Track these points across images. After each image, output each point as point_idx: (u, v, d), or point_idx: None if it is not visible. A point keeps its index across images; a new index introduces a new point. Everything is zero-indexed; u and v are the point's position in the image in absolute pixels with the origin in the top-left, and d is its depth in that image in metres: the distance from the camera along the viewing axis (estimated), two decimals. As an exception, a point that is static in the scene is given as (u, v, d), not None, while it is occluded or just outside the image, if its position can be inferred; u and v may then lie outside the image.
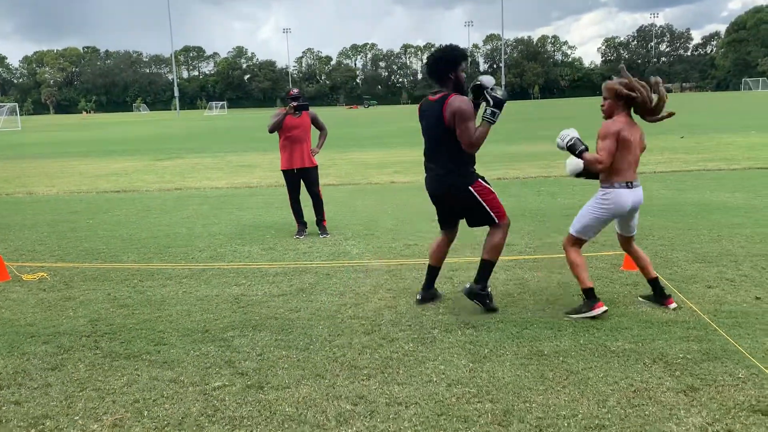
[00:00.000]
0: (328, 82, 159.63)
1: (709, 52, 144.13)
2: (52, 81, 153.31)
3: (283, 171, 7.67)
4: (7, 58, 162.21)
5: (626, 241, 4.74)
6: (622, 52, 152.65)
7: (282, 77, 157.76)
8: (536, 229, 7.45)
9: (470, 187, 4.49)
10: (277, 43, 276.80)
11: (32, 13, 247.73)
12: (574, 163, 4.48)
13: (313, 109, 7.70)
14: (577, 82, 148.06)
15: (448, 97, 4.36)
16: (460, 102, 4.32)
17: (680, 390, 3.35)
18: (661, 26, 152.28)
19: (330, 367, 3.83)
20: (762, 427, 2.98)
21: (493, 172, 13.14)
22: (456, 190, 4.52)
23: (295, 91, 7.60)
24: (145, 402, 3.46)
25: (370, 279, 5.69)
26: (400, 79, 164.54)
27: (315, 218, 7.76)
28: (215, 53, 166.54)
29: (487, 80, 4.45)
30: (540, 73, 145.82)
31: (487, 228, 4.73)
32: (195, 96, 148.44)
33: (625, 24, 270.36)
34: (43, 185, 13.85)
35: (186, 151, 22.83)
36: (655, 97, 4.43)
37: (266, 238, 7.62)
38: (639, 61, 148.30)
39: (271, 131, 7.56)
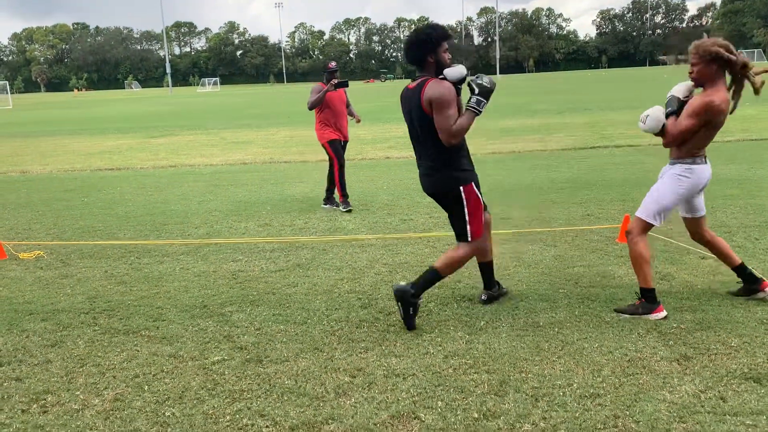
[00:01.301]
0: (321, 57, 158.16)
1: (704, 23, 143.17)
2: (42, 58, 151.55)
3: (331, 141, 7.56)
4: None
5: (699, 225, 4.18)
6: (617, 24, 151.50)
7: (275, 53, 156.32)
8: (531, 203, 7.47)
9: (461, 187, 3.94)
10: (269, 18, 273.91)
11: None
12: (657, 117, 3.98)
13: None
14: (572, 55, 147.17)
15: (425, 83, 3.84)
16: (436, 86, 3.79)
17: (673, 359, 3.40)
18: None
19: (328, 341, 3.87)
20: (754, 393, 3.03)
21: (488, 147, 13.15)
22: (446, 187, 3.98)
23: (333, 63, 7.56)
24: (145, 377, 3.50)
25: (366, 254, 5.71)
26: (394, 54, 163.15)
27: (327, 187, 7.80)
28: (207, 29, 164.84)
29: (452, 73, 3.90)
30: (535, 47, 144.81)
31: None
32: (187, 72, 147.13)
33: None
34: (37, 164, 13.78)
35: (179, 128, 22.70)
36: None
37: (262, 214, 7.62)
38: (634, 33, 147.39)
39: (312, 108, 7.49)
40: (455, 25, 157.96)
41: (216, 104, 45.15)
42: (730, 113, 3.88)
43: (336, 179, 7.61)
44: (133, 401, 3.24)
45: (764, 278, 4.18)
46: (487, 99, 3.85)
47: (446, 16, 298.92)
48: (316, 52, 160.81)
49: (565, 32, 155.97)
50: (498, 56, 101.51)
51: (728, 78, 3.90)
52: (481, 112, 3.84)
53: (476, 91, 3.85)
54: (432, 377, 3.33)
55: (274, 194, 8.96)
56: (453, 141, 3.82)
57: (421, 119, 3.87)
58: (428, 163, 3.99)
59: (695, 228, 4.21)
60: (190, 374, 3.50)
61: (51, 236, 6.90)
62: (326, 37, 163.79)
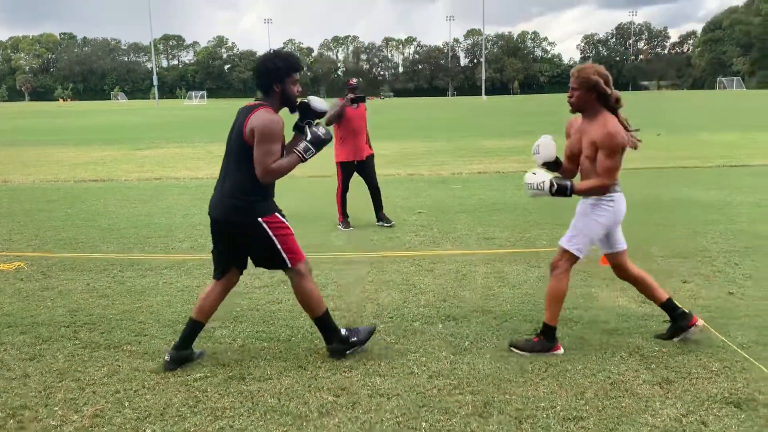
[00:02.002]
0: (309, 73, 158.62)
1: (685, 50, 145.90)
2: (27, 67, 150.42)
3: (342, 163, 7.46)
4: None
5: (621, 259, 4.04)
6: (600, 49, 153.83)
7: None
8: (516, 223, 7.52)
9: (260, 219, 3.65)
10: (258, 33, 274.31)
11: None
12: (547, 143, 3.95)
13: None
14: (557, 78, 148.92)
15: (257, 108, 3.60)
16: (266, 116, 3.54)
17: (655, 382, 3.43)
18: (639, 24, 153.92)
19: (312, 359, 3.85)
20: (734, 418, 3.06)
21: (473, 166, 13.25)
22: (242, 219, 3.64)
23: (354, 80, 7.47)
24: (126, 393, 3.45)
25: (352, 271, 5.70)
26: (382, 72, 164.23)
27: (375, 209, 7.64)
28: (195, 42, 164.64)
29: (317, 104, 3.79)
30: (520, 69, 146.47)
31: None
32: (174, 85, 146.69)
33: (604, 21, 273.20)
34: (19, 173, 13.63)
35: (165, 141, 22.59)
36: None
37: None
38: (617, 58, 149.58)
39: (328, 123, 7.34)
40: (442, 46, 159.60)
41: (203, 117, 45.02)
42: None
43: (337, 198, 7.55)
44: (113, 418, 3.20)
45: (693, 313, 4.00)
46: (317, 150, 3.67)
47: (434, 37, 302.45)
48: (304, 69, 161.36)
49: (549, 56, 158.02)
50: (484, 77, 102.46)
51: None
52: (306, 160, 3.65)
53: (308, 137, 3.67)
54: (416, 398, 3.33)
55: (259, 209, 8.91)
56: (267, 179, 3.57)
57: (237, 141, 3.62)
58: (228, 188, 3.67)
59: (618, 263, 4.03)
60: (171, 391, 3.46)
61: (32, 247, 6.82)
62: (314, 53, 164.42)
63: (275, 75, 3.64)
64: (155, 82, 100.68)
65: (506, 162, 13.90)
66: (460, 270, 5.60)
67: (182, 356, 3.78)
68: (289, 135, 3.77)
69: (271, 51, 3.77)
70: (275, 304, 4.87)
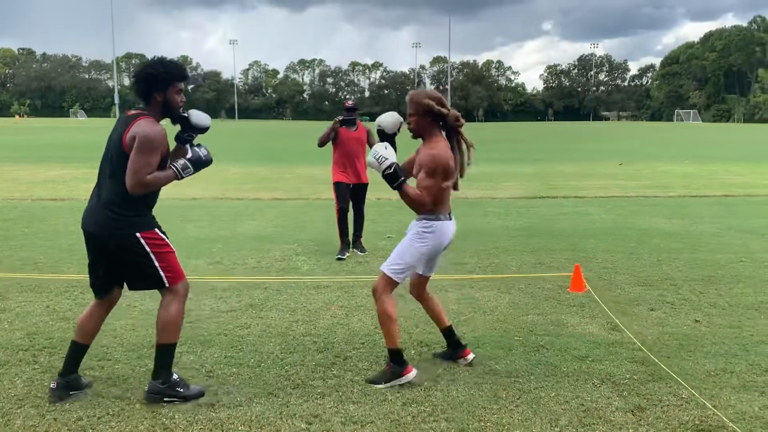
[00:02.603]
0: (274, 95, 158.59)
1: (644, 83, 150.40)
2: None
3: (336, 183, 7.29)
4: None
5: (423, 283, 4.13)
6: (563, 79, 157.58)
7: (227, 88, 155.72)
8: (485, 248, 7.56)
9: (138, 233, 3.45)
10: (223, 54, 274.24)
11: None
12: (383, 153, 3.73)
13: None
14: (520, 107, 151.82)
15: (138, 118, 3.43)
16: (148, 126, 3.38)
17: (628, 410, 3.44)
18: (600, 56, 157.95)
19: (282, 385, 3.77)
20: (706, 446, 3.09)
21: (440, 192, 13.30)
22: (118, 232, 3.44)
23: (350, 102, 7.33)
24: (89, 420, 3.32)
25: (322, 296, 5.64)
26: (348, 96, 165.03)
27: (353, 234, 7.45)
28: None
29: (198, 119, 3.66)
30: (484, 97, 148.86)
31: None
32: (136, 103, 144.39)
33: (566, 53, 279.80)
34: (-26, 190, 13.20)
35: (127, 160, 22.16)
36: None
37: (212, 251, 7.46)
38: (579, 89, 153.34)
39: (320, 145, 7.27)
40: (408, 72, 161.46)
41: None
42: (461, 175, 3.99)
43: (337, 222, 7.35)
44: (75, 446, 3.06)
45: (467, 346, 4.13)
46: (195, 170, 3.54)
47: (400, 63, 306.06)
48: (269, 90, 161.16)
49: (513, 84, 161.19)
50: (450, 104, 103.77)
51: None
52: (182, 178, 3.51)
53: (189, 155, 3.57)
54: (391, 425, 3.28)
55: (225, 231, 8.79)
56: (138, 190, 3.37)
57: (116, 150, 3.42)
58: (104, 199, 3.46)
59: (418, 283, 4.13)
60: (137, 418, 3.34)
61: (-12, 267, 6.57)
62: (280, 76, 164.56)
63: (158, 82, 3.48)
64: (116, 101, 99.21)
65: (471, 189, 13.98)
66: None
67: (70, 382, 3.59)
68: (172, 144, 3.65)
69: (156, 58, 3.58)
70: (244, 329, 4.77)
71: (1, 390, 3.67)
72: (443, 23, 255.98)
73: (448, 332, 4.12)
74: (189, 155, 3.58)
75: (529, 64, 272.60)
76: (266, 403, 3.53)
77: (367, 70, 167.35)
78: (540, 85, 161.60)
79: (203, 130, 3.68)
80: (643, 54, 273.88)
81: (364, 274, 6.42)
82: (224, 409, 3.46)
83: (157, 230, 3.56)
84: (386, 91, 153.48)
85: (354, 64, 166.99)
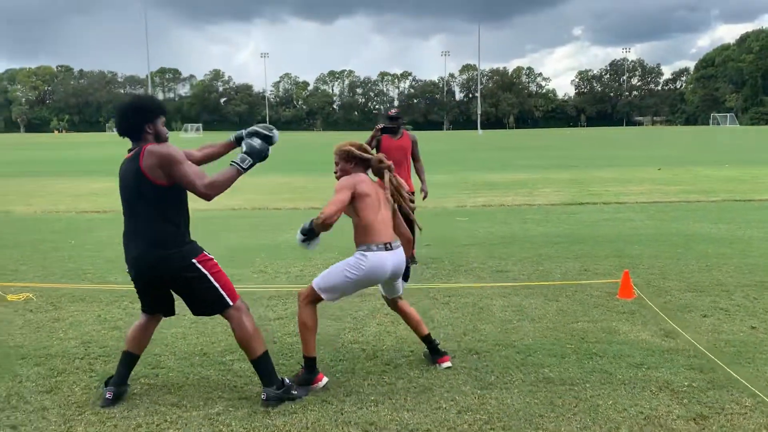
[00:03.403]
0: (305, 107, 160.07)
1: (678, 87, 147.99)
2: (24, 99, 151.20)
3: None
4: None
5: (394, 302, 4.24)
6: (594, 84, 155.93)
7: (258, 101, 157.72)
8: (527, 256, 7.48)
9: (194, 260, 3.53)
10: (254, 67, 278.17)
11: (4, 31, 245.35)
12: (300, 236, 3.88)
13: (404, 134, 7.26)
14: (551, 113, 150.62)
15: (143, 149, 3.43)
16: (160, 147, 3.43)
17: (690, 418, 3.36)
18: (632, 61, 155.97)
19: (335, 392, 3.77)
20: (775, 455, 2.99)
21: (477, 199, 13.27)
22: (172, 266, 3.51)
23: (393, 111, 7.28)
24: (149, 427, 3.36)
25: (366, 303, 5.64)
26: (377, 106, 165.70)
27: None
28: (192, 75, 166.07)
29: (275, 138, 3.76)
30: (515, 104, 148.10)
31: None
32: (170, 118, 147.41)
33: (597, 57, 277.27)
34: (21, 204, 13.57)
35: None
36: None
37: (256, 260, 7.53)
38: (611, 94, 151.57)
39: None
40: (438, 81, 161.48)
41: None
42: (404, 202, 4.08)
43: None
44: (137, 453, 3.10)
45: (446, 353, 4.19)
46: (255, 160, 3.57)
47: (429, 72, 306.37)
48: (299, 102, 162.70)
49: (544, 90, 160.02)
50: (479, 112, 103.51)
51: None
52: (245, 170, 3.53)
53: (245, 148, 3.60)
54: (447, 433, 3.25)
55: (266, 241, 8.87)
56: (212, 193, 3.44)
57: (139, 187, 3.43)
58: (146, 239, 3.50)
59: (392, 305, 4.27)
60: (195, 425, 3.38)
61: (39, 278, 6.73)
62: (310, 87, 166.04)
63: (147, 115, 3.55)
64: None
65: (510, 195, 13.92)
66: (477, 303, 5.55)
67: (123, 391, 3.70)
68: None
69: (133, 95, 3.72)
70: (292, 337, 4.79)
71: (61, 397, 3.74)
72: (472, 31, 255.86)
73: (426, 340, 4.19)
74: (245, 148, 3.61)
75: (559, 70, 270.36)
76: (320, 410, 3.54)
77: (396, 80, 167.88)
78: (571, 91, 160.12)
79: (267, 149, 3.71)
80: (676, 57, 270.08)
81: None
82: (279, 416, 3.47)
83: (205, 252, 3.64)
84: (415, 100, 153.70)
85: (383, 74, 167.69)
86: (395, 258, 3.94)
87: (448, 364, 4.10)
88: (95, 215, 11.87)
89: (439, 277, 6.59)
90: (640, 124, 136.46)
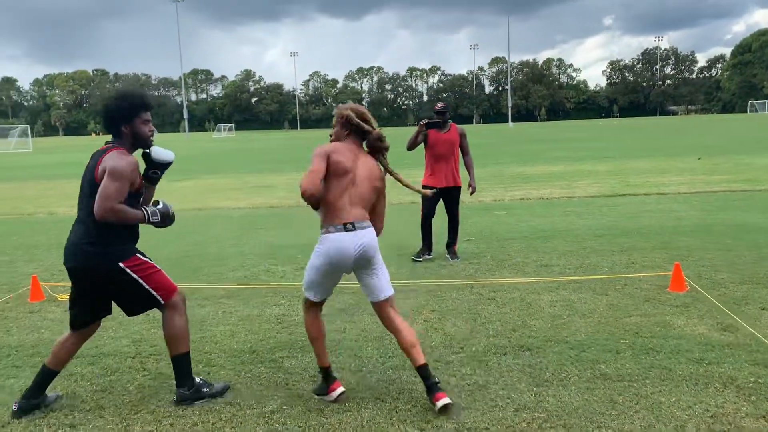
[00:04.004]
0: (334, 104, 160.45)
1: (714, 74, 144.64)
2: (62, 103, 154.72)
3: (424, 187, 7.07)
4: (18, 81, 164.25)
5: (381, 309, 3.58)
6: (626, 74, 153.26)
7: (289, 100, 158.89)
8: (572, 249, 7.34)
9: (121, 264, 3.49)
10: (284, 66, 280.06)
11: (43, 37, 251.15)
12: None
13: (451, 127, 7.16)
14: (583, 104, 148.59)
15: (108, 151, 3.48)
16: (118, 157, 3.42)
17: (760, 416, 3.24)
18: (665, 49, 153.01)
19: (387, 390, 3.73)
20: None
21: (514, 193, 13.11)
22: (104, 267, 3.48)
23: (440, 105, 7.14)
24: (204, 426, 3.37)
25: (411, 300, 5.59)
26: (406, 102, 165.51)
27: (447, 240, 7.25)
28: (223, 76, 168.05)
29: (159, 155, 3.67)
30: (545, 96, 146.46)
31: None
32: (203, 118, 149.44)
33: (629, 47, 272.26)
34: (63, 205, 13.82)
35: (200, 172, 22.86)
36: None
37: (297, 258, 7.54)
38: (644, 83, 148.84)
39: (409, 149, 7.16)
40: (467, 75, 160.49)
41: (232, 149, 45.68)
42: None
43: (420, 226, 7.24)
44: (195, 451, 3.11)
45: (443, 390, 3.42)
46: (163, 222, 3.59)
47: (458, 66, 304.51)
48: (329, 100, 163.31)
49: (575, 82, 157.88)
50: (510, 105, 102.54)
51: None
52: (149, 223, 3.53)
53: (161, 206, 3.61)
54: (506, 431, 3.18)
55: (304, 239, 8.85)
56: (106, 216, 3.35)
57: (89, 184, 3.47)
58: (81, 233, 3.51)
59: (379, 313, 3.62)
60: (250, 423, 3.37)
61: (87, 278, 6.83)
62: (339, 85, 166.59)
63: (122, 116, 3.54)
64: (186, 116, 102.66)
65: (547, 188, 13.71)
66: (524, 298, 5.46)
67: (32, 405, 3.60)
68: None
69: (118, 91, 3.68)
70: (339, 333, 4.78)
71: (116, 396, 3.78)
72: (501, 24, 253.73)
73: (421, 371, 3.47)
74: (161, 206, 3.61)
75: (590, 61, 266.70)
76: (374, 407, 3.50)
77: (425, 75, 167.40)
78: (603, 82, 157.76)
79: (166, 165, 3.69)
80: (711, 44, 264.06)
81: (449, 277, 6.34)
82: (334, 414, 3.45)
83: (138, 255, 3.60)
84: (444, 95, 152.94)
85: (411, 70, 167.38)
86: (358, 240, 3.44)
87: (445, 401, 3.34)
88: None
89: (482, 272, 6.51)
90: (674, 113, 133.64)
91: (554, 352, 4.21)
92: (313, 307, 3.68)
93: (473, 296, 5.62)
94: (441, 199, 7.16)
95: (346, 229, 3.45)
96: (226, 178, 20.32)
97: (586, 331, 4.60)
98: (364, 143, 3.70)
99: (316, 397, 3.64)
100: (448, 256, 7.20)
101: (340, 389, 3.60)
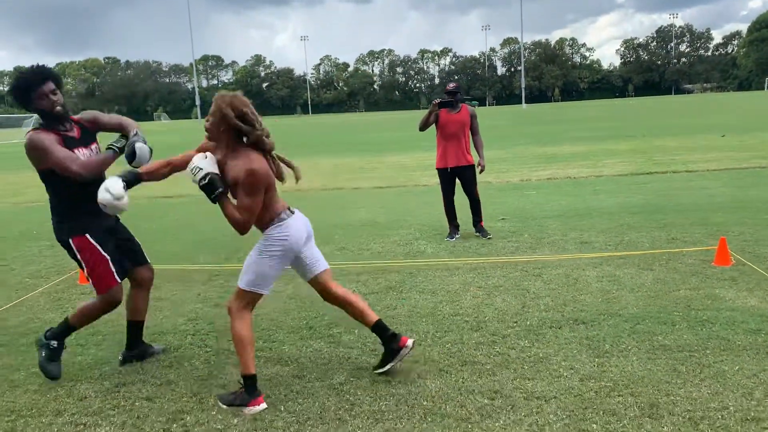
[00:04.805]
0: (345, 88, 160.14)
1: (730, 51, 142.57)
2: (74, 92, 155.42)
3: (437, 170, 7.34)
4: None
5: (323, 283, 3.71)
6: (641, 53, 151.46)
7: (300, 84, 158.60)
8: (609, 227, 7.36)
9: (70, 239, 3.68)
10: (294, 50, 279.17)
11: (54, 26, 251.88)
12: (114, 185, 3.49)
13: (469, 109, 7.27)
14: (597, 84, 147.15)
15: (27, 134, 3.66)
16: (27, 142, 3.59)
17: (826, 382, 3.28)
18: (680, 26, 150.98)
19: (450, 363, 3.80)
20: None
21: (540, 173, 13.10)
22: (59, 236, 3.78)
23: (451, 85, 7.19)
24: (277, 397, 3.46)
25: (456, 277, 5.65)
26: (418, 84, 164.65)
27: (472, 219, 7.37)
28: (234, 62, 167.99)
29: (143, 158, 3.75)
30: (559, 76, 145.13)
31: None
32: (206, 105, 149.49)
33: (642, 25, 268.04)
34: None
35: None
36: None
37: (335, 238, 7.61)
38: (659, 62, 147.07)
39: (421, 129, 7.27)
40: (479, 56, 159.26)
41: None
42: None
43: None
44: (273, 421, 3.20)
45: (402, 334, 3.71)
46: (139, 153, 3.68)
47: (470, 47, 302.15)
48: (340, 84, 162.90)
49: (588, 61, 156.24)
50: (523, 86, 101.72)
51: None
52: (117, 152, 3.74)
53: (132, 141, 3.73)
54: (575, 400, 3.25)
55: (339, 219, 8.95)
56: (84, 175, 3.54)
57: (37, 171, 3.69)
58: (51, 210, 3.79)
59: (321, 288, 3.70)
60: (322, 395, 3.46)
61: (131, 260, 6.94)
62: (350, 68, 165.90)
63: (22, 96, 3.62)
64: (198, 102, 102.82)
65: (573, 168, 13.68)
66: (570, 274, 5.50)
67: (132, 356, 4.05)
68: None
69: (18, 72, 3.73)
70: (391, 310, 4.85)
71: (184, 371, 3.88)
72: (511, 3, 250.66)
73: (377, 328, 3.67)
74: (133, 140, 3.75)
75: (603, 40, 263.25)
76: (440, 379, 3.58)
77: (436, 57, 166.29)
78: (617, 61, 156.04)
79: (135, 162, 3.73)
80: (727, 21, 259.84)
81: (490, 255, 6.39)
82: (402, 385, 3.52)
83: (88, 235, 3.68)
84: (456, 77, 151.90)
85: (423, 52, 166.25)
86: (303, 219, 3.63)
87: (412, 340, 3.65)
88: (163, 200, 12.16)
89: (523, 249, 6.55)
90: (689, 92, 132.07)
91: (609, 325, 4.26)
92: (252, 306, 3.50)
93: (518, 273, 5.67)
94: (457, 180, 7.28)
95: (292, 212, 3.57)
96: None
97: (637, 305, 4.64)
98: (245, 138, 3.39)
99: (224, 406, 3.38)
100: (478, 233, 7.28)
101: (263, 405, 3.34)
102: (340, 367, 3.81)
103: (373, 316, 3.69)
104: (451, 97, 7.12)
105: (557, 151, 17.99)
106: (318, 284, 3.72)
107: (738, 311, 4.38)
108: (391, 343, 3.65)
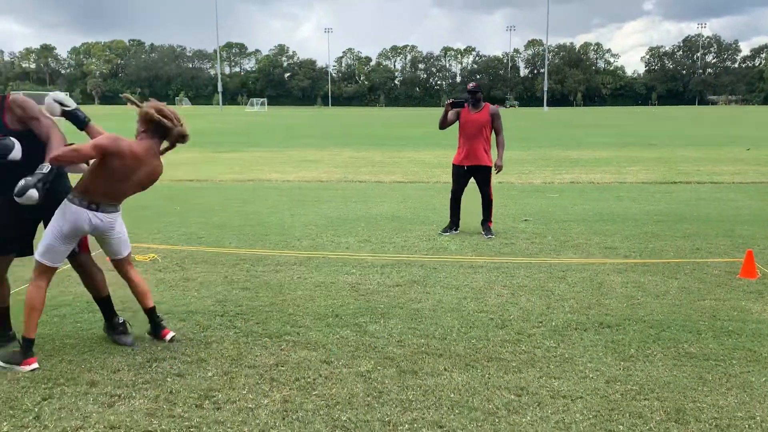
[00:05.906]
0: (366, 82, 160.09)
1: (757, 64, 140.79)
2: (98, 72, 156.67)
3: (453, 165, 7.47)
4: (56, 49, 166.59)
5: (120, 265, 4.14)
6: (666, 61, 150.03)
7: (322, 76, 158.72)
8: (633, 233, 7.35)
9: None
10: (317, 42, 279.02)
11: (81, 6, 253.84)
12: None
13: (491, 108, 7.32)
14: (620, 90, 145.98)
15: None
16: None
17: None
18: (708, 37, 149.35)
19: (476, 358, 3.84)
20: None
21: (563, 176, 13.07)
22: None
23: (471, 85, 7.29)
24: (306, 381, 3.52)
25: (480, 275, 5.68)
26: (439, 82, 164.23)
27: (481, 217, 7.45)
28: (257, 50, 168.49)
29: (17, 153, 3.76)
30: (581, 81, 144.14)
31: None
32: (236, 92, 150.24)
33: (669, 33, 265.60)
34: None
35: (240, 145, 23.14)
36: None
37: (358, 230, 7.67)
38: (683, 71, 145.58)
39: (441, 128, 7.42)
40: (502, 57, 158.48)
41: (266, 124, 45.94)
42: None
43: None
44: (303, 403, 3.26)
45: (167, 327, 4.17)
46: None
47: (493, 47, 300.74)
48: (361, 78, 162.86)
49: (612, 68, 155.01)
50: (546, 88, 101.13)
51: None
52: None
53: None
54: (600, 401, 3.28)
55: (361, 212, 9.01)
56: None
57: None
58: None
59: (118, 267, 4.14)
60: (351, 381, 3.52)
61: (158, 240, 7.05)
62: (373, 63, 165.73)
63: None
64: (220, 89, 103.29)
65: (596, 173, 13.64)
66: (594, 278, 5.52)
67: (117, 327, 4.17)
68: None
69: None
70: (416, 303, 4.90)
71: (214, 351, 3.95)
72: (537, 4, 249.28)
73: (149, 313, 4.15)
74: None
75: (628, 46, 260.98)
76: (467, 373, 3.62)
77: (459, 55, 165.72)
78: (641, 68, 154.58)
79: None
80: (755, 33, 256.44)
81: (512, 255, 6.41)
82: (429, 377, 3.57)
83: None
84: (478, 76, 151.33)
85: (446, 50, 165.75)
86: (96, 220, 3.80)
87: (171, 335, 4.10)
88: (189, 184, 12.29)
89: (546, 252, 6.57)
90: (713, 103, 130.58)
91: (634, 330, 4.28)
92: (47, 277, 3.80)
93: (542, 274, 5.70)
94: (473, 178, 7.40)
95: (90, 208, 3.79)
96: (268, 151, 20.53)
97: (662, 312, 4.66)
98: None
99: (3, 365, 3.67)
100: (482, 232, 7.37)
101: (35, 365, 3.67)
102: (366, 356, 3.87)
103: (149, 303, 4.14)
104: (471, 96, 7.22)
105: (581, 156, 17.92)
106: (115, 265, 4.14)
107: (765, 324, 4.38)
108: (156, 329, 4.14)
